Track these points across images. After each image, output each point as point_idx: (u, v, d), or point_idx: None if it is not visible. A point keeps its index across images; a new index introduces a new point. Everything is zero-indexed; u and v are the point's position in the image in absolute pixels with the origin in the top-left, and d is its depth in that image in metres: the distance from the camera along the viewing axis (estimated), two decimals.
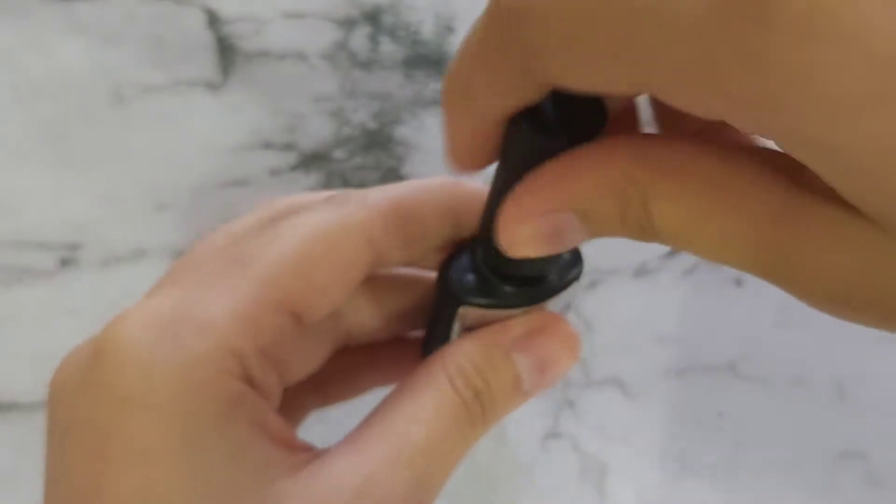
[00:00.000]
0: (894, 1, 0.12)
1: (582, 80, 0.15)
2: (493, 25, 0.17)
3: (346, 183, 0.41)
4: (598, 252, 0.39)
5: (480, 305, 0.25)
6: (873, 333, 0.38)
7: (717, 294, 0.38)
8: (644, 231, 0.16)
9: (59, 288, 0.38)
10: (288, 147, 0.41)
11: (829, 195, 0.14)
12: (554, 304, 0.28)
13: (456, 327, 0.27)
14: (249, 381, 0.20)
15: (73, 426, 0.19)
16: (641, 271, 0.39)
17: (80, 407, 0.19)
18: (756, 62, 0.12)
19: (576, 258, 0.27)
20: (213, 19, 0.44)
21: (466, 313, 0.26)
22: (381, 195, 0.23)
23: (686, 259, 0.39)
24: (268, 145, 0.41)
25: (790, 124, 0.13)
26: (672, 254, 0.39)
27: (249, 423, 0.19)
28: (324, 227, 0.22)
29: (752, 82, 0.12)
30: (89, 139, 0.42)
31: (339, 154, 0.41)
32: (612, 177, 0.16)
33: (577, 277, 0.28)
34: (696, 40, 0.13)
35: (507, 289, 0.25)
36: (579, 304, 0.38)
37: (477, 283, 0.26)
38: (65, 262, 0.39)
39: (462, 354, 0.23)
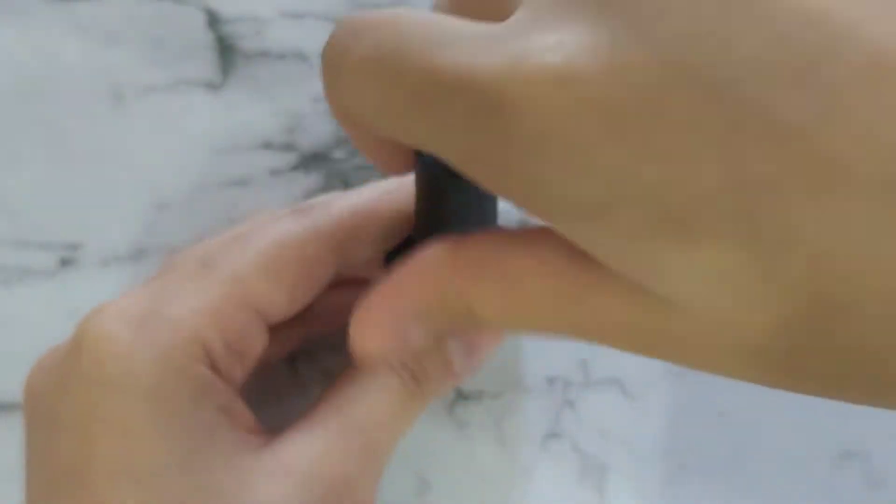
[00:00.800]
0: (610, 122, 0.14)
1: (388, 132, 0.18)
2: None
3: (346, 183, 0.41)
4: None
5: None
6: None
7: None
8: (472, 324, 0.19)
9: (58, 288, 0.39)
10: (288, 147, 0.41)
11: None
12: None
13: None
14: (216, 370, 0.22)
15: (56, 415, 0.21)
16: None
17: (63, 397, 0.21)
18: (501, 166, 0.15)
19: None
20: (213, 19, 0.44)
21: None
22: (343, 202, 0.26)
23: None
24: (268, 145, 0.41)
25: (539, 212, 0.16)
26: None
27: (217, 406, 0.21)
28: (288, 234, 0.24)
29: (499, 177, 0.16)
30: (89, 139, 0.42)
31: (339, 154, 0.41)
32: (438, 285, 0.19)
33: None
34: (463, 131, 0.16)
35: None
36: None
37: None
38: (64, 262, 0.39)
39: None
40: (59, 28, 0.44)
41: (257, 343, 0.24)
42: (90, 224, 0.40)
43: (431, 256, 0.19)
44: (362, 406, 0.24)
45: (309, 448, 0.22)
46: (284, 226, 0.25)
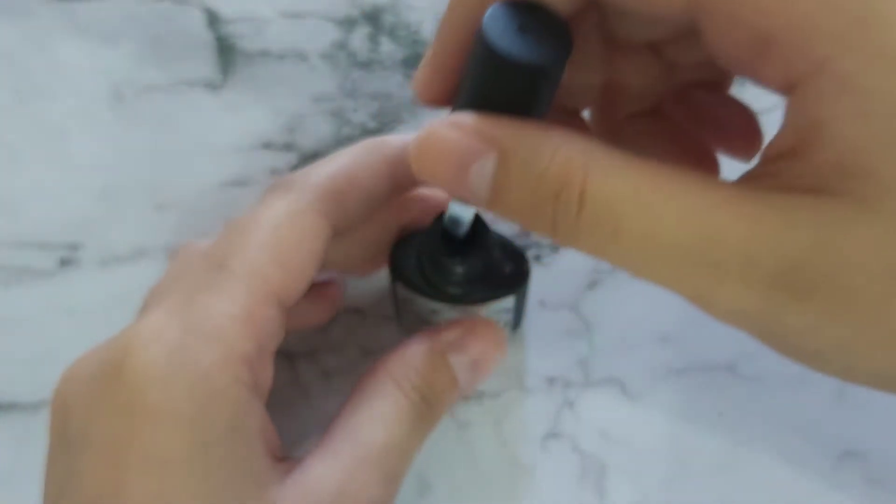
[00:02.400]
0: None
1: None
2: None
3: None
4: None
5: (408, 287, 0.31)
6: None
7: None
8: (565, 212, 0.18)
9: (58, 288, 0.39)
10: (288, 147, 0.41)
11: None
12: (485, 309, 0.31)
13: (398, 296, 0.33)
14: (255, 383, 0.22)
15: (88, 437, 0.21)
16: None
17: (98, 419, 0.21)
18: None
19: (517, 273, 0.31)
20: (213, 19, 0.44)
21: (403, 288, 0.31)
22: (320, 171, 0.26)
23: None
24: (267, 145, 0.41)
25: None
26: None
27: (252, 431, 0.21)
28: (281, 214, 0.24)
29: None
30: (89, 138, 0.42)
31: None
32: (555, 144, 0.18)
33: (510, 293, 0.31)
34: None
35: (437, 282, 0.30)
36: (579, 304, 0.38)
37: (413, 267, 0.30)
38: (64, 262, 0.39)
39: (404, 362, 0.26)
40: (60, 28, 0.44)
41: (281, 337, 0.25)
42: (90, 224, 0.40)
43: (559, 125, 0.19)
44: (378, 432, 0.24)
45: (330, 479, 0.22)
46: (276, 206, 0.25)
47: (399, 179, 0.28)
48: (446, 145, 0.19)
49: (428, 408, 0.26)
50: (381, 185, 0.27)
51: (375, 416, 0.24)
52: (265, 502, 0.21)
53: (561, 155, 0.18)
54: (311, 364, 0.37)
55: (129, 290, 0.39)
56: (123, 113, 0.42)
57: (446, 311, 0.31)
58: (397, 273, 0.31)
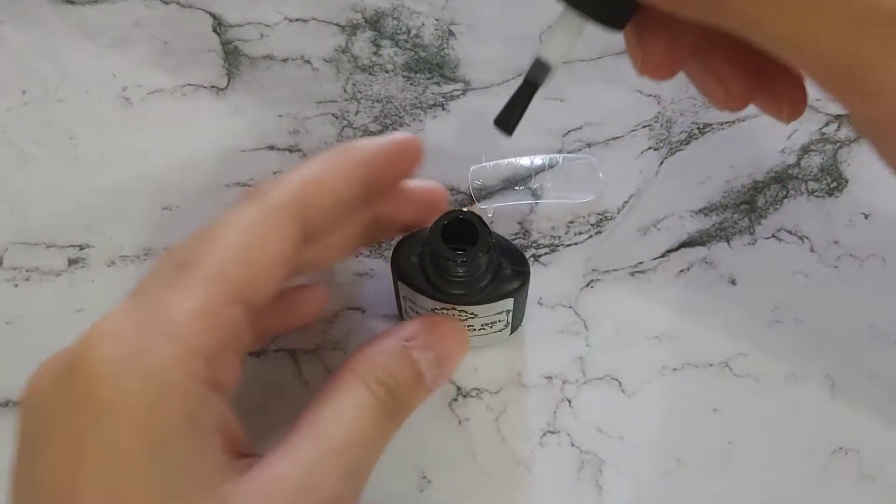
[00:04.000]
0: None
1: None
2: None
3: None
4: (595, 252, 0.40)
5: (410, 287, 0.32)
6: (865, 332, 0.38)
7: (712, 293, 0.39)
8: None
9: (66, 287, 0.39)
10: (291, 149, 0.42)
11: None
12: (483, 310, 0.32)
13: (400, 294, 0.34)
14: (214, 380, 0.21)
15: (46, 436, 0.21)
16: (638, 270, 0.40)
17: (55, 418, 0.21)
18: None
19: (517, 273, 0.32)
20: (219, 24, 0.45)
21: (405, 287, 0.32)
22: (290, 177, 0.26)
23: (681, 259, 0.40)
24: (272, 147, 0.42)
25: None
26: (667, 254, 0.40)
27: (207, 426, 0.21)
28: (247, 217, 0.24)
29: None
30: (97, 141, 0.42)
31: None
32: None
33: (510, 293, 0.32)
34: None
35: (438, 283, 0.31)
36: (577, 302, 0.39)
37: (415, 267, 0.31)
38: (72, 262, 0.40)
39: (368, 358, 0.26)
40: (69, 32, 0.45)
41: (247, 338, 0.24)
42: (98, 224, 0.40)
43: None
44: (340, 427, 0.24)
45: (289, 473, 0.22)
46: (245, 211, 0.24)
47: (373, 182, 0.28)
48: None
49: (394, 402, 0.26)
50: (353, 189, 0.27)
51: (338, 410, 0.24)
52: (219, 497, 0.20)
53: None
54: (313, 361, 0.38)
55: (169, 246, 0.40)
56: (131, 115, 0.43)
57: (447, 311, 0.32)
58: (399, 272, 0.32)
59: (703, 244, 0.40)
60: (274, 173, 0.42)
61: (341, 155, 0.27)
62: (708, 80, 0.26)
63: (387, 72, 0.44)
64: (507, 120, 0.26)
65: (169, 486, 0.19)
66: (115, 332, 0.21)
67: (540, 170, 0.41)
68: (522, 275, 0.32)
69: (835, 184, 0.42)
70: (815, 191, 0.41)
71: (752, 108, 0.27)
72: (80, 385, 0.21)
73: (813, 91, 0.45)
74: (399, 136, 0.28)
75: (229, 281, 0.22)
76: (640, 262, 0.40)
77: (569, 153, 0.42)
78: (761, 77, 0.26)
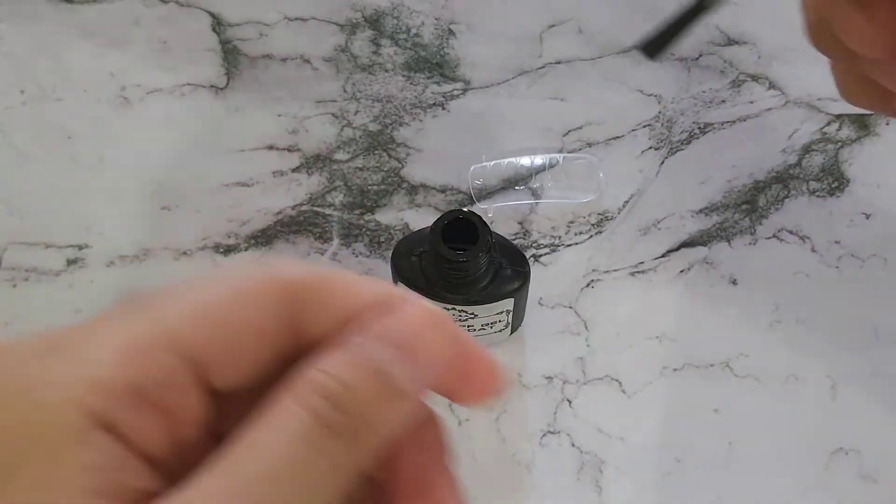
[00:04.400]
0: None
1: None
2: None
3: (348, 184, 0.41)
4: (595, 252, 0.40)
5: (409, 288, 0.31)
6: (866, 332, 0.38)
7: (713, 293, 0.39)
8: None
9: (65, 287, 0.39)
10: (290, 148, 0.42)
11: None
12: (483, 310, 0.31)
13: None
14: (107, 419, 0.19)
15: None
16: (638, 270, 0.40)
17: None
18: None
19: (517, 274, 0.32)
20: (218, 23, 0.44)
21: (405, 288, 0.31)
22: (305, 265, 0.21)
23: (682, 259, 0.40)
24: (271, 147, 0.42)
25: None
26: (668, 254, 0.40)
27: (84, 464, 0.18)
28: (237, 281, 0.21)
29: None
30: (95, 140, 0.42)
31: (341, 156, 0.42)
32: None
33: (511, 293, 0.31)
34: None
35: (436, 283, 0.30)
36: (577, 303, 0.39)
37: (415, 268, 0.31)
38: (71, 262, 0.40)
39: (309, 366, 0.20)
40: (66, 31, 0.44)
41: (189, 403, 0.20)
42: (96, 224, 0.40)
43: None
44: (251, 458, 0.18)
45: None
46: (235, 274, 0.21)
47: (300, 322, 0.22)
48: None
49: (346, 418, 0.19)
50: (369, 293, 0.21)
51: (255, 438, 0.19)
52: None
53: None
54: None
55: (134, 289, 0.40)
56: (129, 115, 0.43)
57: (447, 311, 0.32)
58: (399, 272, 0.32)
59: (703, 244, 0.40)
60: (273, 173, 0.42)
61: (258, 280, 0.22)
62: None
63: (386, 71, 0.44)
64: (656, 44, 0.22)
65: None
66: (17, 348, 0.19)
67: (540, 170, 0.41)
68: (523, 275, 0.32)
69: (836, 184, 0.42)
70: (817, 191, 0.41)
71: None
72: None
73: (813, 91, 0.45)
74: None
75: (169, 326, 0.19)
76: (641, 263, 0.40)
77: (569, 153, 0.42)
78: None
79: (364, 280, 0.21)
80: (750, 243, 0.40)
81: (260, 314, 0.20)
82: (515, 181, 0.41)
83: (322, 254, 0.40)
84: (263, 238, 0.40)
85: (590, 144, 0.42)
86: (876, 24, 0.22)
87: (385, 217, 0.40)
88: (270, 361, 0.20)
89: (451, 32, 0.44)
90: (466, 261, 0.29)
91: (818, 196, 0.41)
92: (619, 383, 0.37)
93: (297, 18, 0.45)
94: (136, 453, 0.19)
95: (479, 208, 0.40)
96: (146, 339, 0.19)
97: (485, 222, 0.30)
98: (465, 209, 0.31)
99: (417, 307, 0.20)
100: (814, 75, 0.43)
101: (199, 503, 0.18)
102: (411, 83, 0.43)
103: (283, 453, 0.18)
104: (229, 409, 0.20)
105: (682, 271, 0.40)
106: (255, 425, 0.19)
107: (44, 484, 0.17)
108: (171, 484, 0.18)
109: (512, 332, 0.37)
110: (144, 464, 0.19)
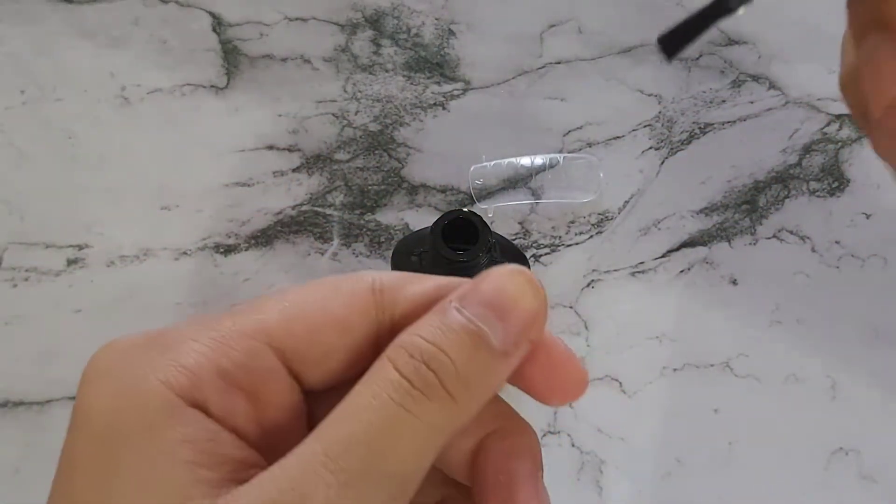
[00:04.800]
0: None
1: None
2: None
3: (348, 184, 0.41)
4: (595, 252, 0.40)
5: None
6: (866, 332, 0.38)
7: (713, 293, 0.39)
8: None
9: (65, 287, 0.39)
10: (291, 149, 0.42)
11: None
12: None
13: None
14: (197, 398, 0.20)
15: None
16: (638, 270, 0.40)
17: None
18: None
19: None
20: (218, 23, 0.44)
21: None
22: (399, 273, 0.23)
23: (682, 259, 0.40)
24: (271, 147, 0.42)
25: None
26: (668, 254, 0.40)
27: (171, 436, 0.19)
28: (323, 282, 0.21)
29: None
30: (95, 140, 0.42)
31: (341, 156, 0.42)
32: None
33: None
34: None
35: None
36: (577, 303, 0.39)
37: (415, 267, 0.31)
38: (71, 262, 0.40)
39: (404, 333, 0.20)
40: (67, 31, 0.44)
41: (278, 388, 0.21)
42: (96, 224, 0.40)
43: None
44: (340, 426, 0.19)
45: (264, 494, 0.18)
46: (320, 279, 0.22)
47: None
48: None
49: (435, 378, 0.19)
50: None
51: (346, 405, 0.19)
52: None
53: None
54: None
55: (134, 289, 0.40)
56: (129, 115, 0.43)
57: None
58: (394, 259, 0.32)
59: (703, 244, 0.40)
60: (273, 173, 0.42)
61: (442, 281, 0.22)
62: None
63: (387, 71, 0.44)
64: (674, 42, 0.20)
65: (114, 497, 0.19)
66: (116, 343, 0.21)
67: (540, 170, 0.41)
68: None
69: (836, 184, 0.42)
70: (817, 191, 0.41)
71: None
72: (77, 393, 0.21)
73: (813, 91, 0.45)
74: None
75: (259, 319, 0.21)
76: (641, 262, 0.40)
77: (569, 153, 0.42)
78: None
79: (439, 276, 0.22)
80: (750, 243, 0.40)
81: (342, 308, 0.21)
82: (515, 181, 0.41)
83: (322, 254, 0.40)
84: (263, 238, 0.40)
85: (590, 144, 0.42)
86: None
87: (385, 217, 0.40)
88: (359, 356, 0.21)
89: (451, 32, 0.44)
90: (467, 261, 0.29)
91: (818, 196, 0.41)
92: (620, 383, 0.37)
93: (297, 18, 0.45)
94: (227, 428, 0.20)
95: (479, 208, 0.40)
96: (233, 330, 0.20)
97: (485, 222, 0.30)
98: (465, 209, 0.31)
99: (503, 270, 0.21)
100: (814, 75, 0.43)
101: (295, 470, 0.18)
102: (411, 83, 0.43)
103: (374, 417, 0.18)
104: (327, 408, 0.20)
105: (682, 271, 0.40)
106: (350, 394, 0.19)
107: (146, 455, 0.19)
108: (270, 463, 0.19)
109: None
110: (237, 439, 0.20)
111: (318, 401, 0.21)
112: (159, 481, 0.19)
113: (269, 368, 0.21)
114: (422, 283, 0.22)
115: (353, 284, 0.21)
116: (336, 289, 0.21)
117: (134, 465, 0.19)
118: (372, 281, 0.21)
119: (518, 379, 0.21)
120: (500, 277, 0.21)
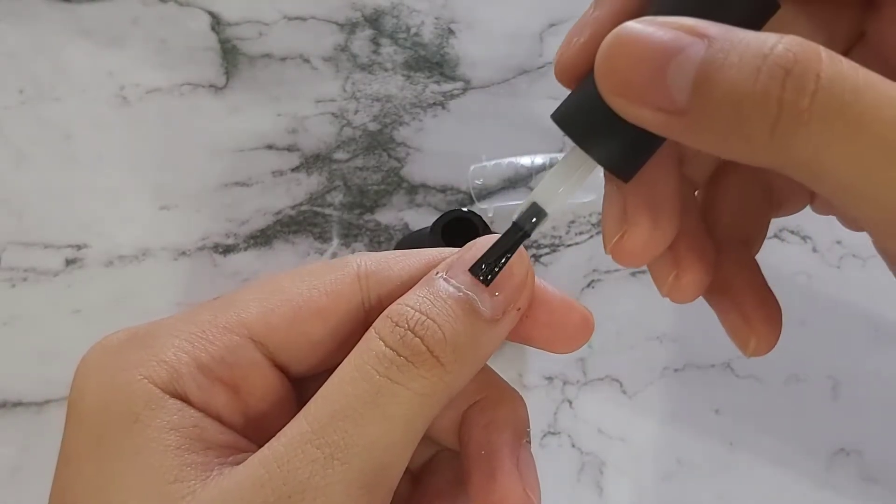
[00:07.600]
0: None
1: None
2: None
3: (347, 183, 0.41)
4: (596, 252, 0.40)
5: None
6: (867, 333, 0.38)
7: None
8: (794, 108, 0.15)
9: (64, 287, 0.39)
10: (290, 148, 0.42)
11: None
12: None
13: None
14: (178, 390, 0.21)
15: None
16: (639, 271, 0.40)
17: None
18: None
19: None
20: (217, 22, 0.44)
21: None
22: (374, 254, 0.23)
23: None
24: (270, 146, 0.42)
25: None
26: None
27: (157, 425, 0.20)
28: (304, 269, 0.21)
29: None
30: (94, 140, 0.42)
31: (340, 155, 0.42)
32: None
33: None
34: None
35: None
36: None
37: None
38: (70, 262, 0.39)
39: (392, 305, 0.20)
40: (65, 31, 0.44)
41: (259, 377, 0.21)
42: (95, 224, 0.40)
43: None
44: (326, 400, 0.18)
45: (252, 472, 0.18)
46: (307, 266, 0.22)
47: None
48: (643, 41, 0.16)
49: (421, 344, 0.19)
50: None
51: (333, 379, 0.19)
52: (168, 497, 0.19)
53: (789, 38, 0.15)
54: None
55: (133, 289, 0.40)
56: (128, 114, 0.43)
57: None
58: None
59: None
60: (272, 173, 0.41)
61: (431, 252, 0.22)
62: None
63: (386, 70, 0.43)
64: (486, 267, 0.20)
65: (108, 485, 0.20)
66: (105, 341, 0.21)
67: (540, 169, 0.41)
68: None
69: None
70: None
71: None
72: (70, 389, 0.22)
73: None
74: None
75: (237, 310, 0.21)
76: None
77: None
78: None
79: (424, 250, 0.22)
80: None
81: (324, 296, 0.21)
82: (515, 181, 0.41)
83: (322, 254, 0.40)
84: (263, 238, 0.40)
85: None
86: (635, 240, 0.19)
87: (385, 217, 0.40)
88: (349, 339, 0.20)
89: (451, 32, 0.44)
90: None
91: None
92: (620, 384, 0.37)
93: (296, 17, 0.45)
94: (210, 416, 0.20)
95: (479, 208, 0.40)
96: (213, 324, 0.20)
97: (485, 222, 0.30)
98: (465, 209, 0.31)
99: (488, 239, 0.20)
100: None
101: (282, 448, 0.18)
102: (411, 82, 0.43)
103: (357, 389, 0.18)
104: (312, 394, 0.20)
105: None
106: (336, 370, 0.19)
107: (135, 444, 0.19)
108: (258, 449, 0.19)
109: None
110: (222, 426, 0.20)
111: (312, 385, 0.21)
112: (150, 467, 0.19)
113: (250, 361, 0.21)
114: (407, 260, 0.21)
115: (338, 271, 0.21)
116: (319, 276, 0.21)
117: (125, 453, 0.19)
118: (357, 266, 0.21)
119: (523, 336, 0.21)
120: (486, 246, 0.20)
